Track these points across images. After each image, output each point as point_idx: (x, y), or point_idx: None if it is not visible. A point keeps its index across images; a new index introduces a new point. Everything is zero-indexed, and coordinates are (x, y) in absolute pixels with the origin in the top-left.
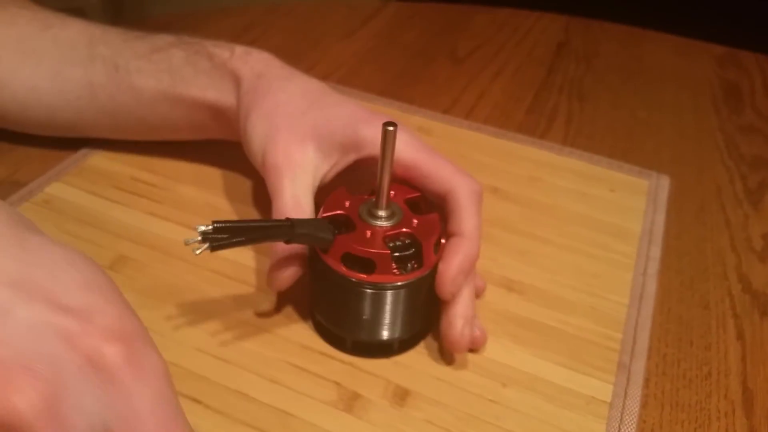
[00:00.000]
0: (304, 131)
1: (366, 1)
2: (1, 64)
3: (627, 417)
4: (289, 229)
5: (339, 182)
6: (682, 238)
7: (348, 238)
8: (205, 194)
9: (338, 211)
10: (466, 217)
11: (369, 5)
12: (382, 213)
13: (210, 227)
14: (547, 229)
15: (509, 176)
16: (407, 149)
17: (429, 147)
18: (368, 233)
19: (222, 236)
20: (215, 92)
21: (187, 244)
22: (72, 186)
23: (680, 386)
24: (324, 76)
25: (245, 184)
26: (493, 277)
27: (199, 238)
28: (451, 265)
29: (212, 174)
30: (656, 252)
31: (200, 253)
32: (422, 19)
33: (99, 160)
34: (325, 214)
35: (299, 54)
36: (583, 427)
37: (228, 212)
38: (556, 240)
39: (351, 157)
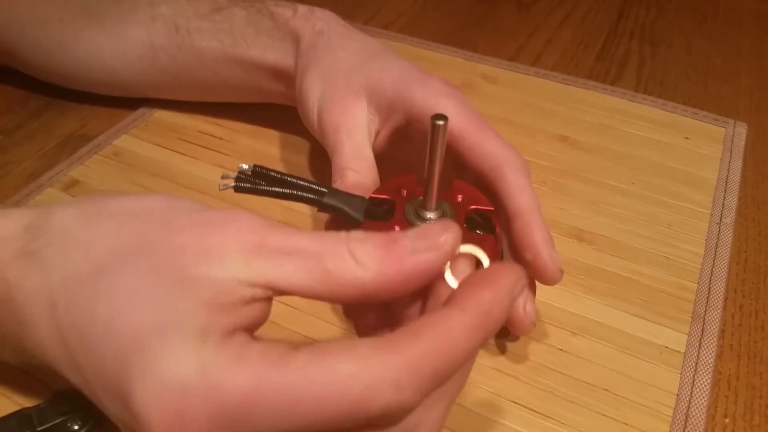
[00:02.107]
0: (359, 85)
1: None
2: (66, 27)
3: (702, 367)
4: (319, 195)
5: (398, 154)
6: (759, 186)
7: (377, 227)
8: (272, 147)
9: (386, 197)
10: (518, 192)
11: None
12: (428, 215)
13: (249, 168)
14: (619, 178)
15: (579, 124)
16: (456, 118)
17: (479, 117)
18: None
19: (253, 180)
20: (276, 53)
21: (222, 178)
22: (140, 139)
23: (758, 338)
24: (385, 25)
25: (312, 139)
26: (561, 227)
27: (234, 175)
28: (538, 244)
29: (277, 128)
30: (732, 201)
31: (223, 189)
32: None
33: (164, 114)
34: (373, 195)
35: (359, 4)
36: (655, 376)
37: (297, 167)
38: (628, 189)
39: (400, 116)
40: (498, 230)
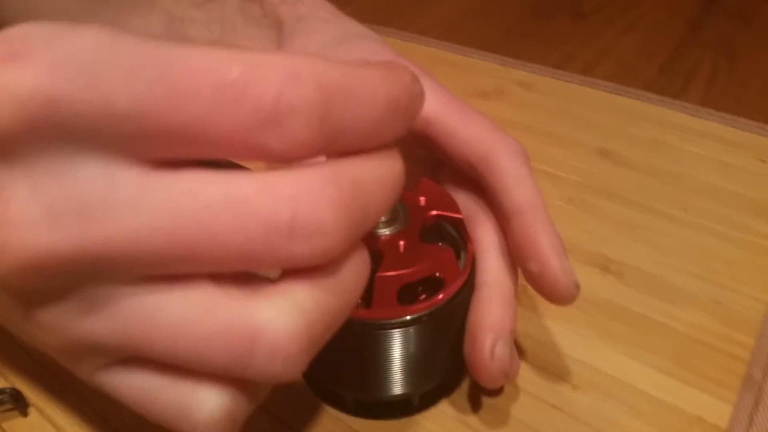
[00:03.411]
0: None
1: None
2: (68, 14)
3: None
4: None
5: None
6: None
7: None
8: None
9: None
10: (515, 185)
11: None
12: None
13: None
14: (667, 201)
15: (626, 138)
16: (430, 99)
17: (460, 100)
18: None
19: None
20: (261, 42)
21: None
22: None
23: None
24: (421, 31)
25: None
26: (582, 253)
27: None
28: (542, 248)
29: None
30: None
31: None
32: None
33: None
34: None
35: (399, 11)
36: None
37: None
38: (678, 215)
39: None
40: (470, 246)
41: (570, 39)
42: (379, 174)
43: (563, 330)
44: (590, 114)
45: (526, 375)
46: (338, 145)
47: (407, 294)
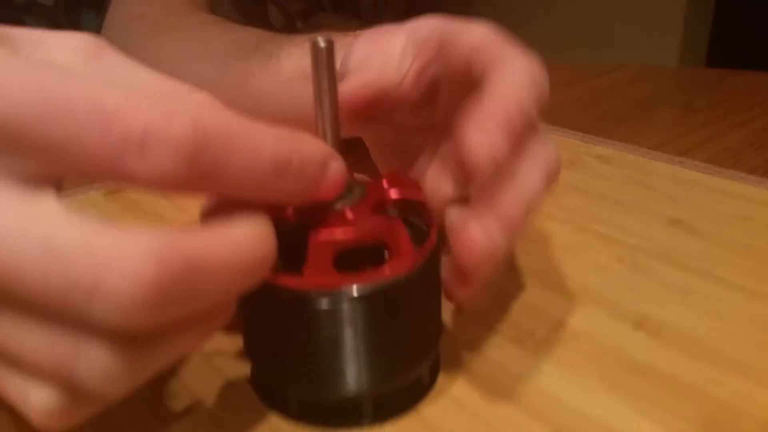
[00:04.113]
0: (398, 27)
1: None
2: (179, 64)
3: None
4: None
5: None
6: None
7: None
8: None
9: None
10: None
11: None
12: None
13: None
14: (737, 272)
15: (703, 210)
16: (422, 21)
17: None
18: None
19: None
20: None
21: None
22: None
23: None
24: None
25: None
26: (617, 310)
27: None
28: (478, 115)
29: None
30: None
31: None
32: (659, 77)
33: None
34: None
35: None
36: None
37: None
38: (746, 284)
39: (431, 50)
40: (432, 234)
41: (673, 127)
42: (228, 257)
43: (567, 377)
44: (666, 186)
45: (503, 414)
46: (215, 187)
47: (353, 269)
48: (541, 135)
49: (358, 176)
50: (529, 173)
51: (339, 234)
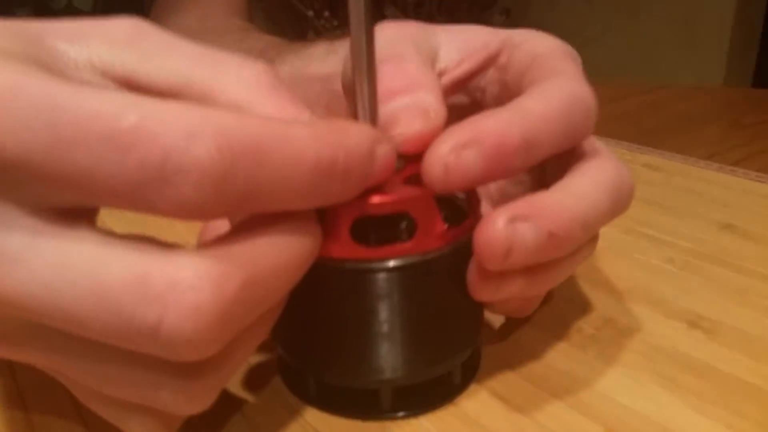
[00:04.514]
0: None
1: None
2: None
3: None
4: None
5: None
6: None
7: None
8: None
9: None
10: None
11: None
12: None
13: None
14: None
15: (756, 216)
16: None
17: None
18: None
19: None
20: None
21: None
22: None
23: None
24: None
25: None
26: (670, 309)
27: None
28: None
29: None
30: None
31: None
32: (705, 96)
33: None
34: None
35: None
36: None
37: None
38: None
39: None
40: (474, 211)
41: (723, 140)
42: (281, 261)
43: (618, 374)
44: (718, 193)
45: (547, 409)
46: (251, 206)
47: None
48: (611, 160)
49: None
50: (584, 187)
51: (361, 204)
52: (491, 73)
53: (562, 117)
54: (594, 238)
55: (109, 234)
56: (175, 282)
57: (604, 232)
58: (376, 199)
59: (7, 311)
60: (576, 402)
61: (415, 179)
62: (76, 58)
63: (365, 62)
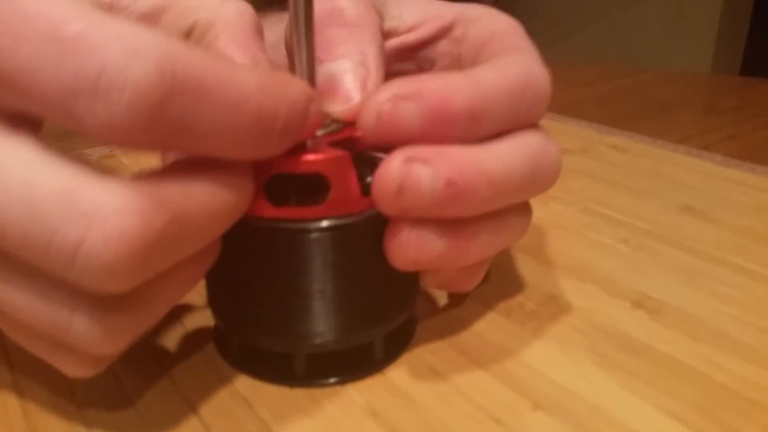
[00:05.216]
0: None
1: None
2: None
3: None
4: None
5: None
6: None
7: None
8: None
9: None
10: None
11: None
12: None
13: None
14: (750, 258)
15: (719, 200)
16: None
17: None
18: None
19: None
20: None
21: None
22: None
23: None
24: None
25: None
26: (617, 288)
27: None
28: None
29: None
30: None
31: None
32: (686, 82)
33: None
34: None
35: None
36: None
37: None
38: (759, 270)
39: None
40: None
41: (692, 126)
42: (212, 203)
43: (553, 349)
44: (683, 176)
45: (477, 382)
46: (182, 144)
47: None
48: (539, 133)
49: None
50: (501, 148)
51: (274, 162)
52: (443, 45)
53: (515, 94)
54: (525, 209)
55: (49, 146)
56: (103, 204)
57: (559, 210)
58: (291, 157)
59: None
60: (506, 376)
61: (345, 143)
62: None
63: (303, 18)
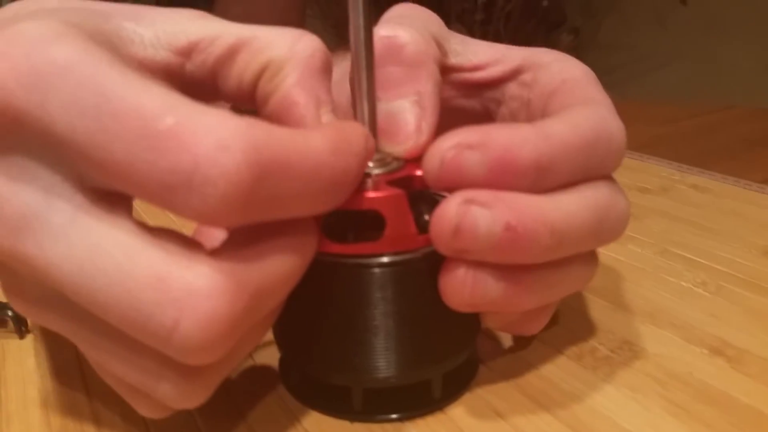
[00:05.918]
0: None
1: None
2: None
3: None
4: None
5: None
6: None
7: None
8: None
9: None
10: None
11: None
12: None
13: None
14: None
15: None
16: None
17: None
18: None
19: None
20: None
21: None
22: None
23: None
24: None
25: None
26: (695, 334)
27: None
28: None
29: None
30: None
31: None
32: None
33: None
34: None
35: None
36: None
37: None
38: None
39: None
40: None
41: None
42: (286, 272)
43: (625, 397)
44: (766, 218)
45: (542, 426)
46: (268, 216)
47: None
48: (609, 184)
49: None
50: (566, 199)
51: None
52: (512, 87)
53: (584, 149)
54: (590, 258)
55: (141, 226)
56: (193, 289)
57: (636, 252)
58: (350, 195)
59: (36, 276)
60: (574, 422)
61: (403, 182)
62: (142, 34)
63: (364, 60)
